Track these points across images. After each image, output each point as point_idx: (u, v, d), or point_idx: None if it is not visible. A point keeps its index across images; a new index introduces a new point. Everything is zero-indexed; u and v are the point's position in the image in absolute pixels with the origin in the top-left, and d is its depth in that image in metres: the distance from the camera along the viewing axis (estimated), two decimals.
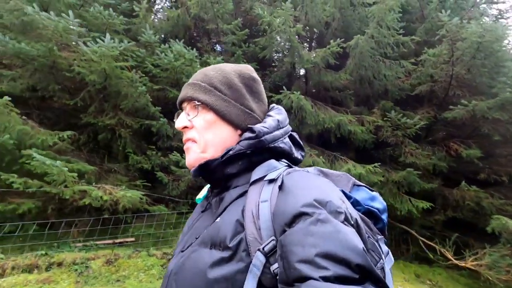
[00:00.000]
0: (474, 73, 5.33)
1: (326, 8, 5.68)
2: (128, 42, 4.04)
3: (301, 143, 0.78)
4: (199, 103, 0.69)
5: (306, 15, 5.96)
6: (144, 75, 4.28)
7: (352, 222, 0.53)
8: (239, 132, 0.71)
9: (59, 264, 3.14)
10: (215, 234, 0.59)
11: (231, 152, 0.66)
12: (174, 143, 4.64)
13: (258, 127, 0.68)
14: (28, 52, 3.86)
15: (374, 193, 0.73)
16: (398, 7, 4.92)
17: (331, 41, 4.84)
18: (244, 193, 0.64)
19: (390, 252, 0.67)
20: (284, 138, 0.71)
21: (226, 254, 0.55)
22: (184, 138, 0.72)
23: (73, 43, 3.90)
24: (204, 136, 0.69)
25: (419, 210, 4.76)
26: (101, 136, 4.58)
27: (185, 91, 0.72)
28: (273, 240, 0.53)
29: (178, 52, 4.31)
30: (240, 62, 5.42)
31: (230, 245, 0.56)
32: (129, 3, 5.48)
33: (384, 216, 0.71)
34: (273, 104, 0.81)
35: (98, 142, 4.59)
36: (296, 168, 0.68)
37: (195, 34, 5.97)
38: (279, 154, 0.70)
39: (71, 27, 3.69)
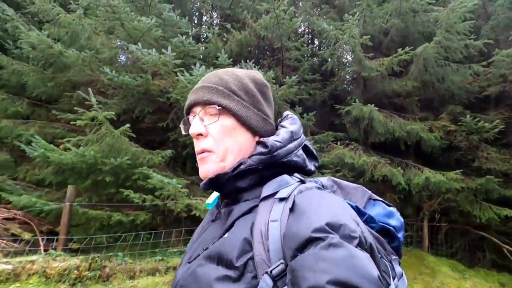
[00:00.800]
0: None
1: (386, 17, 5.75)
2: (206, 67, 4.49)
3: (314, 152, 0.74)
4: (220, 107, 0.64)
5: (364, 24, 6.08)
6: None
7: (366, 247, 0.51)
8: (256, 138, 0.68)
9: (174, 268, 3.60)
10: (222, 250, 0.57)
11: (242, 167, 0.63)
12: None
13: (270, 141, 0.64)
14: (129, 83, 4.46)
15: (391, 208, 0.70)
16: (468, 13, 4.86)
17: (390, 47, 4.92)
18: (253, 208, 0.61)
19: (404, 274, 0.64)
20: (298, 150, 0.67)
21: (232, 273, 0.53)
22: (197, 148, 0.67)
23: (167, 72, 4.42)
24: (223, 144, 0.65)
25: (501, 217, 4.64)
26: (186, 152, 5.09)
27: (200, 94, 0.67)
28: (282, 263, 0.51)
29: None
30: (305, 76, 5.68)
31: (237, 265, 0.53)
32: (198, 28, 6.01)
33: (401, 235, 0.68)
34: (287, 112, 0.77)
35: (184, 158, 5.10)
36: (308, 184, 0.64)
37: (257, 52, 6.35)
38: (292, 168, 0.66)
39: (168, 60, 4.21)
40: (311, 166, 0.70)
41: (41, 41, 4.97)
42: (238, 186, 0.64)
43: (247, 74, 0.72)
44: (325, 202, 0.56)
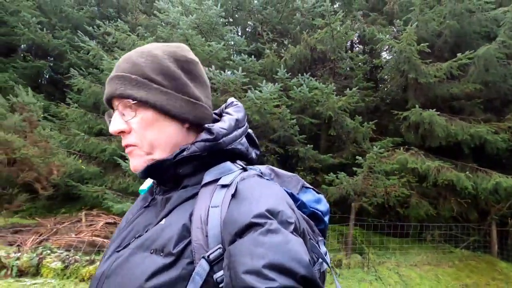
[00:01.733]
0: None
1: (440, 19, 5.74)
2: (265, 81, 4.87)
3: (256, 140, 0.75)
4: (135, 101, 0.60)
5: (416, 28, 6.10)
6: (286, 108, 5.06)
7: (300, 232, 0.53)
8: (186, 125, 0.65)
9: None
10: (158, 237, 0.55)
11: (184, 153, 0.61)
12: (312, 163, 5.29)
13: (216, 128, 0.63)
14: None
15: (319, 195, 0.74)
16: None
17: (443, 49, 4.91)
18: (194, 196, 0.60)
19: (328, 253, 0.67)
20: (242, 138, 0.68)
21: (168, 260, 0.52)
22: (123, 143, 0.64)
23: (236, 90, 4.88)
24: (146, 138, 0.62)
25: None
26: None
27: (113, 87, 0.61)
28: (219, 248, 0.51)
29: (312, 86, 4.98)
30: (359, 84, 5.85)
31: (173, 251, 0.52)
32: (253, 45, 6.46)
33: (327, 218, 0.72)
34: (231, 99, 0.76)
35: None
36: (250, 172, 0.64)
37: (309, 63, 6.64)
38: (235, 155, 0.66)
39: (238, 78, 4.66)
40: (253, 154, 0.71)
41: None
42: (179, 173, 0.62)
43: (167, 52, 0.64)
44: (266, 189, 0.57)
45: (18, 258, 3.31)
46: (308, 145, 4.96)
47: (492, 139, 4.87)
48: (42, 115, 6.38)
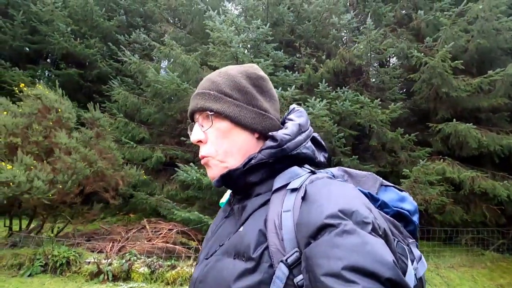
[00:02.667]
0: None
1: (468, 37, 6.15)
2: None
3: (323, 144, 0.76)
4: (212, 113, 0.67)
5: (444, 44, 6.51)
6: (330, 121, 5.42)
7: (380, 232, 0.51)
8: (256, 135, 0.69)
9: None
10: (239, 244, 0.59)
11: (252, 161, 0.64)
12: None
13: (280, 134, 0.66)
14: None
15: (403, 193, 0.71)
16: None
17: (468, 64, 5.30)
18: (266, 202, 0.62)
19: (423, 257, 0.65)
20: (307, 142, 0.69)
21: (249, 265, 0.55)
22: (200, 154, 0.70)
23: (286, 105, 5.22)
24: (221, 147, 0.67)
25: None
26: None
27: (195, 102, 0.70)
28: (296, 251, 0.52)
29: (355, 99, 5.35)
30: (393, 96, 6.24)
31: (253, 256, 0.55)
32: (291, 59, 6.81)
33: (415, 218, 0.68)
34: (293, 105, 0.78)
35: None
36: (319, 174, 0.66)
37: (343, 76, 7.01)
38: (302, 160, 0.68)
39: (289, 94, 5.01)
40: (320, 157, 0.72)
41: (171, 80, 6.02)
42: (250, 181, 0.65)
43: (240, 71, 0.72)
44: (337, 189, 0.57)
45: (110, 264, 3.62)
46: (354, 156, 5.32)
47: None
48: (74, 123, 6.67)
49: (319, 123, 4.99)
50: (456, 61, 5.43)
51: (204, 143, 0.69)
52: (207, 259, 0.66)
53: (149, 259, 3.80)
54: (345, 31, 6.51)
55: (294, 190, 0.60)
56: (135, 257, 3.77)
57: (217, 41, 5.43)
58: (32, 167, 3.27)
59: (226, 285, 0.55)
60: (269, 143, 0.65)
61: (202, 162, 0.70)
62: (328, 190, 0.56)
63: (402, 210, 0.66)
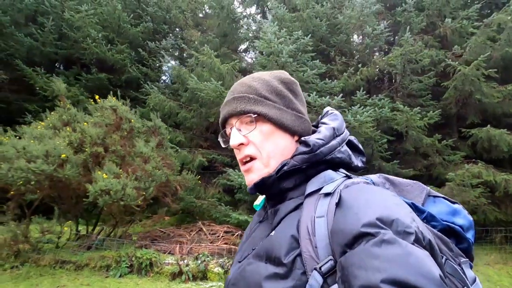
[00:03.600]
0: None
1: (496, 45, 6.46)
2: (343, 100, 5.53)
3: (360, 147, 0.74)
4: (256, 115, 0.66)
5: (468, 51, 6.83)
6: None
7: (425, 244, 0.46)
8: (296, 138, 0.68)
9: None
10: (270, 248, 0.58)
11: (285, 168, 0.63)
12: None
13: (312, 140, 0.65)
14: None
15: (456, 205, 0.65)
16: None
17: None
18: (299, 206, 0.61)
19: (477, 279, 0.59)
20: (342, 147, 0.67)
21: (281, 270, 0.53)
22: (240, 156, 0.68)
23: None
24: (265, 149, 0.66)
25: None
26: None
27: (233, 106, 0.68)
28: (331, 259, 0.50)
29: (391, 107, 5.65)
30: (426, 103, 6.54)
31: (285, 262, 0.53)
32: (325, 67, 7.09)
33: (470, 235, 0.62)
34: (327, 108, 0.77)
35: None
36: (355, 179, 0.63)
37: (376, 83, 7.30)
38: (337, 164, 0.67)
39: (335, 102, 5.30)
40: (357, 161, 0.70)
41: (213, 88, 6.27)
42: (283, 187, 0.65)
43: (273, 76, 0.71)
44: (375, 196, 0.53)
45: (187, 265, 3.89)
46: (395, 160, 5.62)
47: None
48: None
49: (364, 129, 5.28)
50: (490, 70, 5.75)
51: (246, 145, 0.67)
52: (240, 261, 0.66)
53: (221, 260, 4.07)
54: (377, 40, 6.80)
55: (327, 194, 0.58)
56: (208, 258, 4.04)
57: (265, 51, 5.68)
58: (120, 175, 3.51)
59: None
60: (301, 148, 0.65)
61: (245, 167, 0.68)
62: (364, 196, 0.53)
63: (453, 225, 0.60)
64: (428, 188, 0.66)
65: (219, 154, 7.19)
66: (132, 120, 4.25)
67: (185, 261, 3.94)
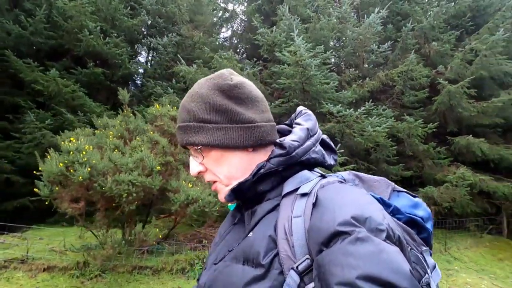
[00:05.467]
0: None
1: (472, 68, 7.80)
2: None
3: (332, 145, 0.75)
4: (199, 147, 0.66)
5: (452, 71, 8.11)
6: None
7: (395, 240, 0.50)
8: (250, 150, 0.68)
9: None
10: (248, 250, 0.59)
11: (262, 171, 0.64)
12: (392, 177, 6.92)
13: (287, 142, 0.65)
14: None
15: (416, 199, 0.70)
16: None
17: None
18: (276, 207, 0.62)
19: (437, 266, 0.64)
20: (316, 147, 0.68)
21: (259, 271, 0.54)
22: (205, 181, 0.72)
23: (355, 121, 6.22)
24: (221, 173, 0.67)
25: None
26: None
27: (180, 137, 0.69)
28: (307, 258, 0.52)
29: (390, 114, 6.58)
30: (419, 114, 7.62)
31: (263, 262, 0.55)
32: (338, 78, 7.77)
33: (429, 225, 0.67)
34: (300, 108, 0.77)
35: None
36: (330, 179, 0.65)
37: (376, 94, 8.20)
38: (312, 164, 0.68)
39: (357, 113, 6.01)
40: (330, 160, 0.72)
41: None
42: (261, 190, 0.66)
43: (210, 87, 0.67)
44: (349, 195, 0.56)
45: None
46: (400, 164, 6.57)
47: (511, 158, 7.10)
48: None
49: (380, 138, 6.09)
50: (471, 89, 6.99)
51: (204, 171, 0.69)
52: (215, 264, 0.66)
53: None
54: (381, 57, 7.69)
55: (304, 195, 0.59)
56: None
57: (292, 64, 6.13)
58: (195, 184, 3.68)
59: None
60: (277, 151, 0.65)
61: (212, 188, 0.72)
62: (339, 196, 0.56)
63: (415, 217, 0.65)
64: (393, 183, 0.72)
65: None
66: None
67: None
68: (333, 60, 7.94)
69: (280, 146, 0.65)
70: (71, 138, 3.53)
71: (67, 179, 3.10)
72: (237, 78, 0.70)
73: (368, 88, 7.40)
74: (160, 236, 4.36)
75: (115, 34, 9.24)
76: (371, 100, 6.72)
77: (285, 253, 0.53)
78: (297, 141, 0.66)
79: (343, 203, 0.53)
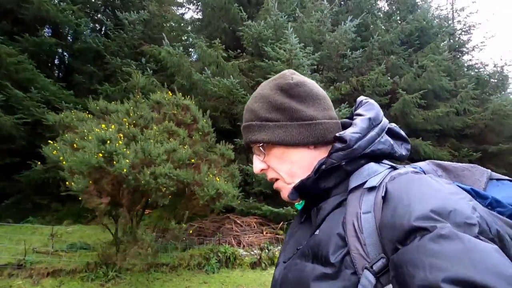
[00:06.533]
0: None
1: (419, 81, 9.22)
2: None
3: (403, 134, 0.69)
4: (261, 144, 0.67)
5: (405, 82, 9.44)
6: None
7: (492, 236, 0.43)
8: (311, 147, 0.67)
9: None
10: (316, 247, 0.56)
11: (323, 167, 0.62)
12: None
13: (348, 134, 0.61)
14: None
15: None
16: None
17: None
18: (342, 202, 0.59)
19: None
20: (382, 137, 0.63)
21: (329, 270, 0.52)
22: (268, 179, 0.72)
23: None
24: (283, 170, 0.67)
25: None
26: None
27: (244, 136, 0.71)
28: (382, 257, 0.48)
29: None
30: None
31: (332, 261, 0.52)
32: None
33: None
34: (361, 98, 0.73)
35: None
36: (402, 170, 0.58)
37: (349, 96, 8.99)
38: (379, 156, 0.63)
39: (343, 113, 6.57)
40: (401, 150, 0.67)
41: (228, 86, 6.47)
42: (324, 187, 0.63)
43: (273, 87, 0.69)
44: (426, 185, 0.50)
45: (259, 255, 4.39)
46: None
47: (446, 159, 8.74)
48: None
49: None
50: (421, 100, 8.31)
51: (267, 169, 0.70)
52: (285, 262, 0.66)
53: (277, 248, 4.77)
54: (352, 62, 8.48)
55: (372, 188, 0.56)
56: (271, 246, 4.64)
57: (285, 61, 6.34)
58: (216, 176, 3.57)
59: None
60: (337, 145, 0.62)
61: (274, 186, 0.71)
62: (414, 187, 0.50)
63: None
64: (489, 171, 0.62)
65: None
66: (204, 120, 4.19)
67: (255, 251, 4.44)
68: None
69: (340, 139, 0.62)
70: (75, 127, 3.07)
71: (103, 172, 2.68)
72: (298, 77, 0.70)
73: (343, 91, 8.10)
74: (191, 232, 4.12)
75: (71, 1, 7.95)
76: (346, 103, 7.41)
77: (356, 252, 0.50)
78: (358, 133, 0.62)
79: (419, 195, 0.48)
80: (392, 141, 0.65)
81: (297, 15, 7.79)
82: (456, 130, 9.88)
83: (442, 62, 8.72)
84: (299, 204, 0.74)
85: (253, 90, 7.52)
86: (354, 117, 0.68)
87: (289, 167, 0.66)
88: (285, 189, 0.68)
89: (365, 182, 0.58)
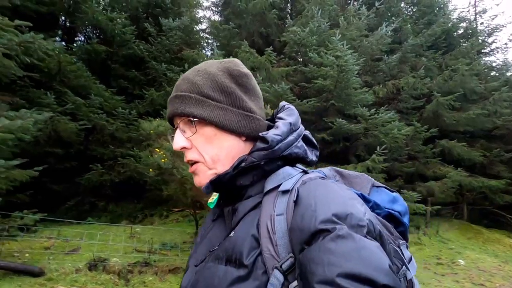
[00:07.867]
0: None
1: (450, 82, 9.47)
2: None
3: (314, 141, 0.74)
4: (196, 119, 0.64)
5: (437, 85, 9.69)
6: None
7: (375, 235, 0.51)
8: (243, 138, 0.67)
9: None
10: (230, 249, 0.58)
11: (243, 164, 0.63)
12: (397, 173, 8.09)
13: (270, 135, 0.64)
14: None
15: (394, 194, 0.72)
16: None
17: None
18: (258, 204, 0.62)
19: (413, 258, 0.65)
20: (298, 142, 0.68)
21: (242, 272, 0.54)
22: (186, 159, 0.68)
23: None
24: (208, 153, 0.65)
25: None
26: None
27: (174, 106, 0.66)
28: (291, 257, 0.52)
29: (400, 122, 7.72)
30: (414, 118, 8.96)
31: (246, 263, 0.54)
32: None
33: (406, 219, 0.69)
34: (283, 103, 0.76)
35: None
36: (312, 175, 0.65)
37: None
38: (294, 159, 0.67)
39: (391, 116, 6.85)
40: (312, 156, 0.71)
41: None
42: (241, 184, 0.64)
43: (221, 68, 0.68)
44: (331, 192, 0.56)
45: None
46: (409, 162, 7.72)
47: (477, 160, 8.99)
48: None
49: (400, 141, 7.08)
50: (455, 101, 8.58)
51: (189, 149, 0.67)
52: (196, 265, 0.65)
53: None
54: (387, 66, 8.74)
55: (285, 192, 0.59)
56: None
57: (330, 65, 6.60)
58: None
59: None
60: (259, 144, 0.64)
61: (190, 169, 0.69)
62: (321, 192, 0.56)
63: (393, 211, 0.67)
64: (373, 179, 0.74)
65: None
66: None
67: None
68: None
69: (263, 139, 0.64)
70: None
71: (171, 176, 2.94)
72: (246, 69, 0.71)
73: (380, 94, 8.37)
74: None
75: (118, 10, 8.25)
76: (386, 106, 7.68)
77: (268, 252, 0.54)
78: (279, 135, 0.65)
79: (325, 200, 0.53)
80: (306, 147, 0.70)
81: (340, 23, 8.04)
82: (486, 131, 10.13)
83: (475, 66, 8.96)
84: (211, 203, 0.75)
85: (297, 97, 7.73)
86: (276, 120, 0.70)
87: (216, 151, 0.65)
88: (203, 174, 0.66)
89: (280, 185, 0.61)
